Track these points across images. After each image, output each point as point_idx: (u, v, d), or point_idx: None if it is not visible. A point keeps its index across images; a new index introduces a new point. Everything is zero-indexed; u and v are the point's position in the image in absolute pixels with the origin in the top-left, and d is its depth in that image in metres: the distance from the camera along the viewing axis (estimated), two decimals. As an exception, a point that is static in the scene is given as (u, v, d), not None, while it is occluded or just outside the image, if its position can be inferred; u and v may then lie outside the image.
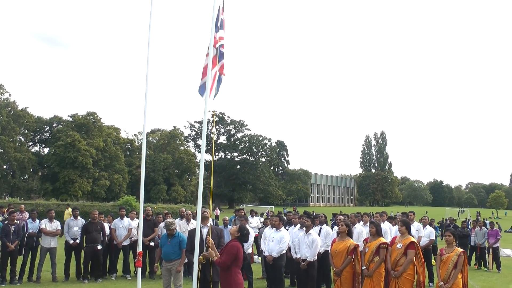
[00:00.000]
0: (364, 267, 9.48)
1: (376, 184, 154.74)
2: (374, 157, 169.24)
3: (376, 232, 9.57)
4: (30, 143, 74.58)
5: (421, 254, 9.29)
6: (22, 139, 70.65)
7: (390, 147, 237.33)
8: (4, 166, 66.76)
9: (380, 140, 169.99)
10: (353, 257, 9.68)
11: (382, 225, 12.63)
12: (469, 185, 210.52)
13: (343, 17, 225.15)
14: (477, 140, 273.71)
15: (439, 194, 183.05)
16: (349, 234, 10.00)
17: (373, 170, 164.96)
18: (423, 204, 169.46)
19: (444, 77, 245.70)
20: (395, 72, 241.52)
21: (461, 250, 8.53)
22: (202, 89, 8.04)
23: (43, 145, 75.82)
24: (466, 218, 20.19)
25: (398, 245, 9.14)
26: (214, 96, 8.16)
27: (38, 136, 75.13)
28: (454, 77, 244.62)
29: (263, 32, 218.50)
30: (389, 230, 12.42)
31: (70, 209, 23.44)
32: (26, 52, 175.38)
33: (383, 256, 9.25)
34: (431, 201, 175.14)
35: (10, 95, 69.15)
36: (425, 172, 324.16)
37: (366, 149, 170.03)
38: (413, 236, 9.45)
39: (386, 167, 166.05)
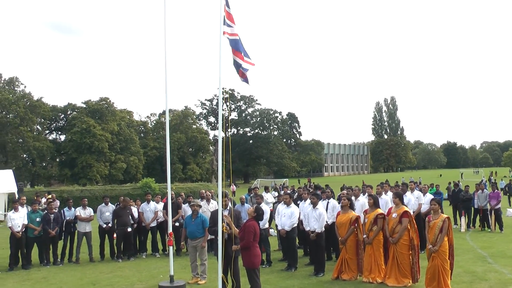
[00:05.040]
0: (365, 236, 10.78)
1: (389, 150, 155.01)
2: (386, 123, 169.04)
3: (374, 203, 10.82)
4: (47, 132, 76.03)
5: (414, 222, 10.48)
6: (40, 128, 72.33)
7: (401, 111, 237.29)
8: (24, 155, 68.77)
9: (390, 105, 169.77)
10: (355, 227, 10.99)
11: (384, 196, 13.71)
12: (483, 144, 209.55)
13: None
14: (490, 98, 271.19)
15: (454, 155, 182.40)
16: (351, 206, 11.31)
17: (386, 136, 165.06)
18: (437, 167, 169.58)
19: (453, 37, 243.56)
20: (401, 36, 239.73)
21: (446, 216, 9.58)
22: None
23: (60, 133, 77.11)
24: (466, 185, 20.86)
25: (394, 215, 10.35)
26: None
27: (54, 124, 76.46)
28: (464, 37, 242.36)
29: (270, 3, 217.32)
30: (390, 201, 13.00)
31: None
32: (38, 41, 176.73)
33: (380, 225, 10.50)
34: (446, 163, 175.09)
35: (25, 86, 70.68)
36: (438, 134, 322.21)
37: (377, 116, 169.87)
38: (406, 206, 10.67)
39: (398, 132, 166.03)
